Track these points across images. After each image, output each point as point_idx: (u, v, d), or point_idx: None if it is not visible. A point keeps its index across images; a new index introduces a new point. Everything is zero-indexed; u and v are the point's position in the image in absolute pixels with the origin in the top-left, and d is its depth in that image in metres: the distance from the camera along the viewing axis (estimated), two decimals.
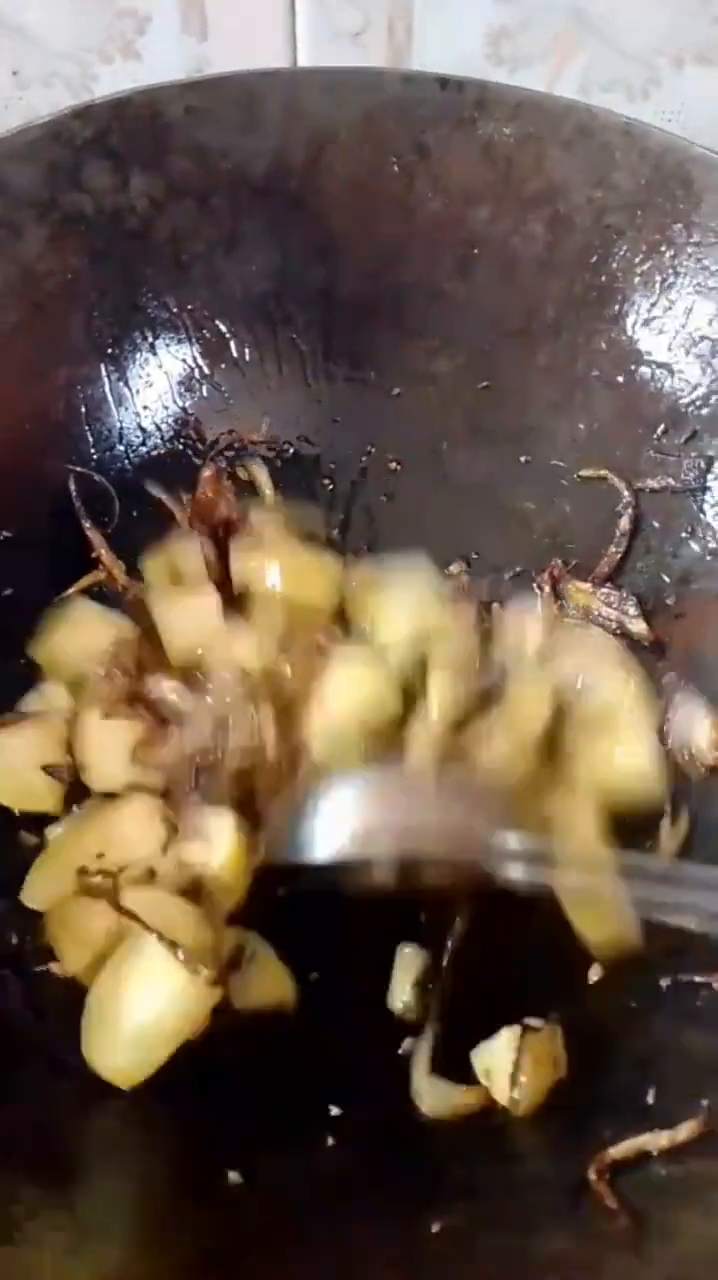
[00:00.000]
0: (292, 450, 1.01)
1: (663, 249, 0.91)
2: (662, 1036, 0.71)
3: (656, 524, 0.94)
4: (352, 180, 0.96)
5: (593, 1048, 0.71)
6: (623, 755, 0.82)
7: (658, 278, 0.92)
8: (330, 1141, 0.67)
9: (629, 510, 0.93)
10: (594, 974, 0.75)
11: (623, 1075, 0.68)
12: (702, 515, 0.91)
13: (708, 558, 0.91)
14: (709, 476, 0.91)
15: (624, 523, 0.94)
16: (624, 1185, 0.61)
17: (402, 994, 0.74)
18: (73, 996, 0.70)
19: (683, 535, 0.92)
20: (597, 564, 0.94)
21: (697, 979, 0.73)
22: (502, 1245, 0.58)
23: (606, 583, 0.93)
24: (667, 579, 0.92)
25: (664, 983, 0.74)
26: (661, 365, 0.93)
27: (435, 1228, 0.59)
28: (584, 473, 0.96)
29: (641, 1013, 0.73)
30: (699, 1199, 0.60)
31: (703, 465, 0.91)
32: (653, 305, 0.93)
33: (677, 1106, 0.64)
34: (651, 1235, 0.56)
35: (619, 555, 0.94)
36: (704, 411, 0.91)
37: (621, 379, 0.95)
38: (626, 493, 0.94)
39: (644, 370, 0.94)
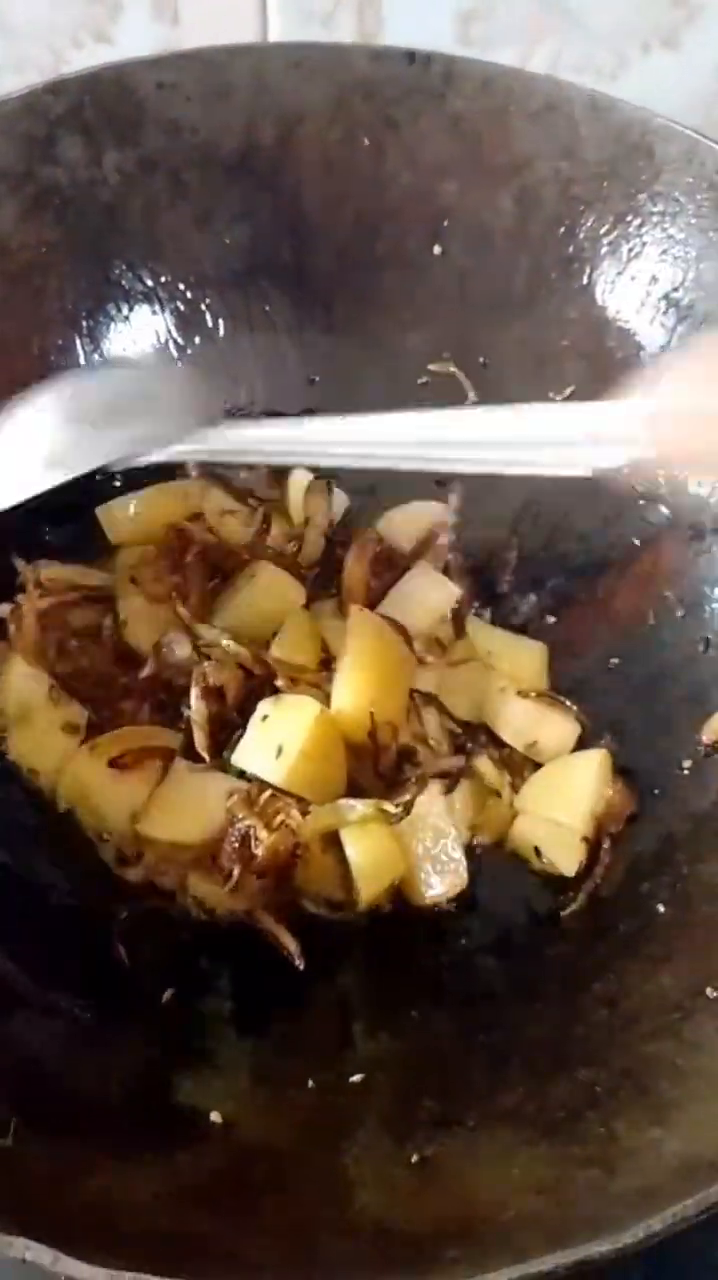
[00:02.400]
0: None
1: (629, 218, 0.93)
2: None
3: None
4: (322, 154, 0.98)
5: None
6: None
7: (625, 247, 0.94)
8: (310, 1084, 0.68)
9: None
10: None
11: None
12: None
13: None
14: None
15: None
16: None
17: None
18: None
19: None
20: None
21: None
22: (479, 1172, 0.60)
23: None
24: (637, 542, 0.94)
25: None
26: (629, 333, 0.94)
27: (414, 1159, 0.61)
28: (434, 366, 1.00)
29: None
30: None
31: None
32: (620, 274, 0.94)
33: None
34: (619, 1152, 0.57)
35: None
36: None
37: (591, 347, 0.96)
38: (472, 394, 0.99)
39: (614, 338, 0.95)
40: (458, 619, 0.94)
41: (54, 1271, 0.49)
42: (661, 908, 0.76)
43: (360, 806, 0.78)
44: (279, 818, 0.78)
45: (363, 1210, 0.58)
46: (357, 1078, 0.68)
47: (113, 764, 0.81)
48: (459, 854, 0.80)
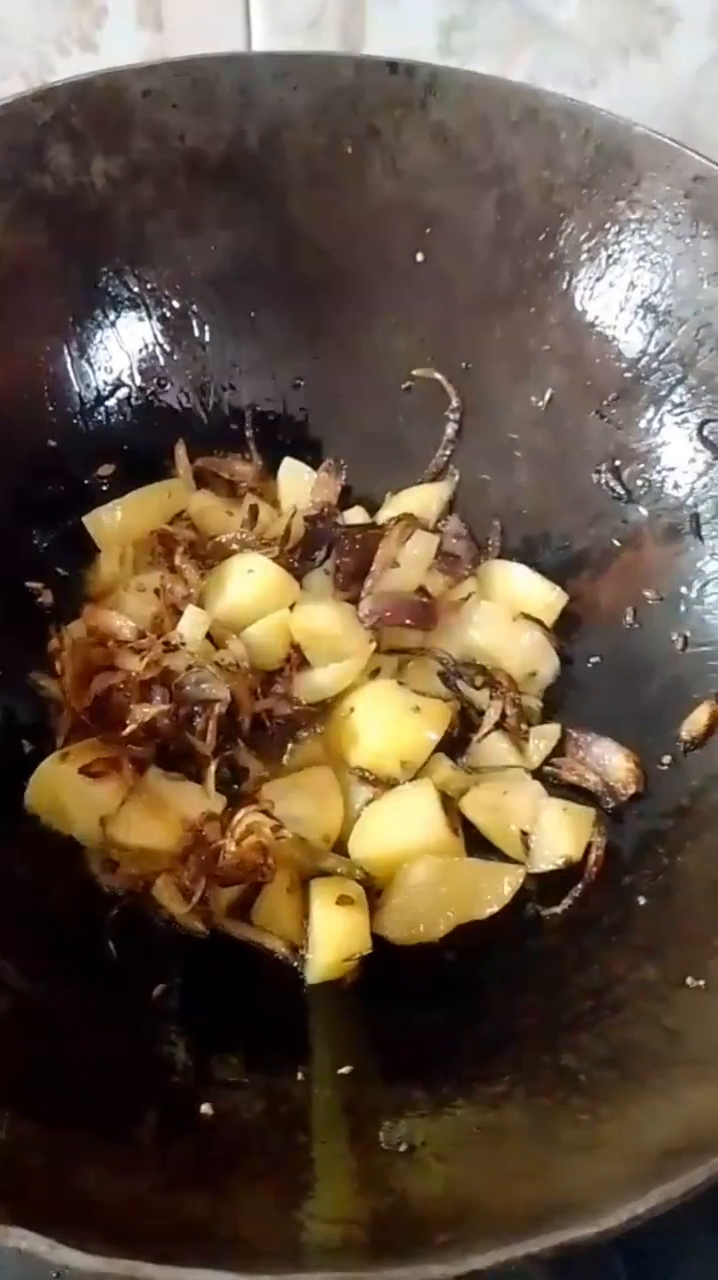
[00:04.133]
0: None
1: (608, 225, 0.95)
2: None
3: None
4: (307, 162, 0.99)
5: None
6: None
7: (604, 253, 0.95)
8: (300, 1076, 0.69)
9: (456, 417, 1.02)
10: None
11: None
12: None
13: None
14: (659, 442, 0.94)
15: (450, 430, 1.02)
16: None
17: None
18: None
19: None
20: (428, 467, 1.04)
21: None
22: (467, 1159, 0.61)
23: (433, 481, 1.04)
24: (617, 543, 0.95)
25: None
26: (608, 337, 0.96)
27: (403, 1147, 0.62)
28: (417, 372, 1.03)
29: None
30: None
31: (657, 428, 0.94)
32: (599, 280, 0.96)
33: None
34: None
35: (445, 459, 1.03)
36: (647, 382, 0.94)
37: (571, 351, 0.98)
38: (454, 400, 1.02)
39: (593, 342, 0.97)
40: (449, 570, 0.98)
41: (50, 1260, 0.50)
42: (642, 900, 0.77)
43: (341, 869, 0.81)
44: (251, 836, 0.79)
45: (355, 1196, 0.59)
46: (345, 1069, 0.69)
47: (84, 771, 0.82)
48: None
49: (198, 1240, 0.55)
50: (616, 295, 0.95)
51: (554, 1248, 0.50)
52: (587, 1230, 0.50)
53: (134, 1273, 0.49)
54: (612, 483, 0.95)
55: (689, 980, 0.68)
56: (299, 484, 1.01)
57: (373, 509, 1.03)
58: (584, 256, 0.96)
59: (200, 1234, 0.56)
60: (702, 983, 0.68)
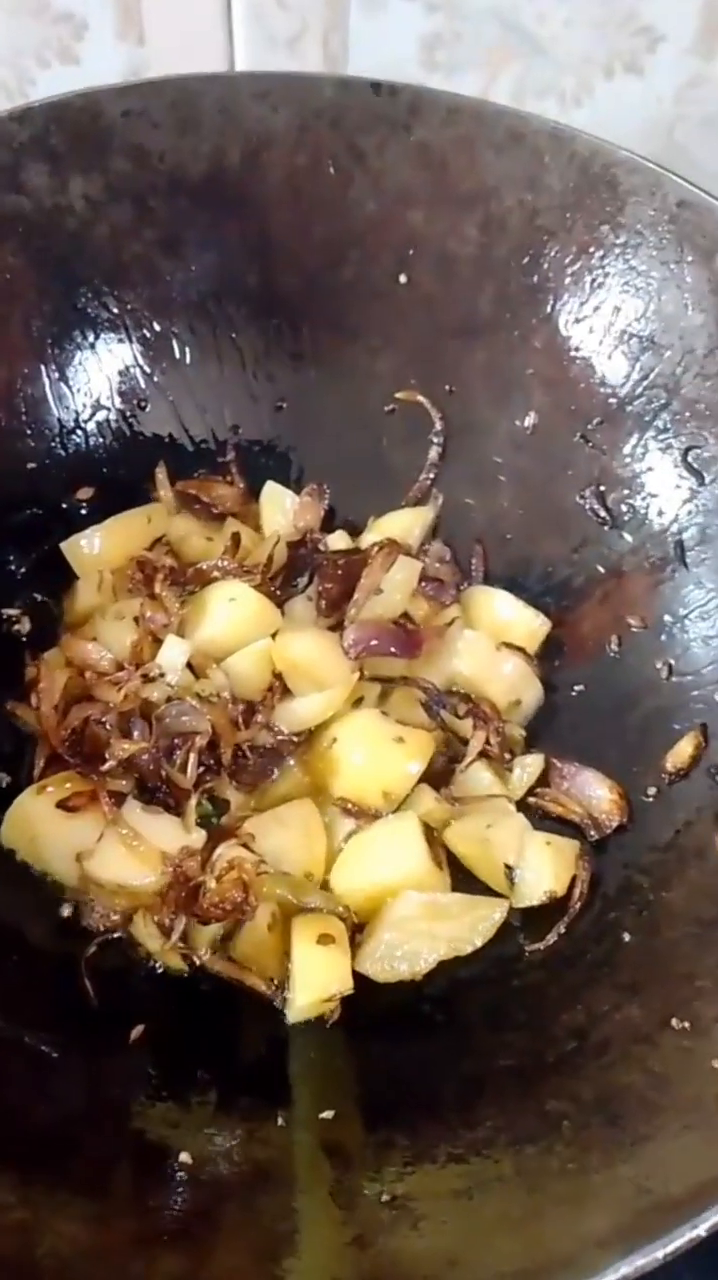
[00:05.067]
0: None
1: (592, 250, 0.94)
2: None
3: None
4: (289, 182, 0.98)
5: None
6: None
7: (588, 278, 0.95)
8: (281, 1121, 0.68)
9: (439, 440, 1.01)
10: None
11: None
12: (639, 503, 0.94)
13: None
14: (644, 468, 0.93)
15: (434, 453, 1.01)
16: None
17: None
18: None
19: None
20: (411, 490, 1.03)
21: None
22: (451, 1210, 0.60)
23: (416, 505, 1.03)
24: (601, 569, 0.95)
25: None
26: (592, 362, 0.95)
27: (386, 1197, 0.61)
28: (400, 395, 1.01)
29: None
30: None
31: (641, 453, 0.94)
32: (583, 304, 0.95)
33: None
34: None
35: (429, 482, 1.02)
36: (631, 407, 0.94)
37: (555, 376, 0.97)
38: (438, 423, 1.01)
39: (577, 367, 0.96)
40: (433, 595, 0.98)
41: None
42: (626, 935, 0.77)
43: (323, 905, 0.80)
44: (232, 872, 0.78)
45: (338, 1251, 0.58)
46: (326, 1114, 0.68)
47: (61, 806, 0.81)
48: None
49: None
50: (600, 320, 0.94)
51: None
52: None
53: None
54: (596, 508, 0.95)
55: (674, 1021, 0.67)
56: (281, 508, 1.00)
57: (355, 532, 1.01)
58: (568, 280, 0.95)
59: None
60: (686, 1024, 0.67)
